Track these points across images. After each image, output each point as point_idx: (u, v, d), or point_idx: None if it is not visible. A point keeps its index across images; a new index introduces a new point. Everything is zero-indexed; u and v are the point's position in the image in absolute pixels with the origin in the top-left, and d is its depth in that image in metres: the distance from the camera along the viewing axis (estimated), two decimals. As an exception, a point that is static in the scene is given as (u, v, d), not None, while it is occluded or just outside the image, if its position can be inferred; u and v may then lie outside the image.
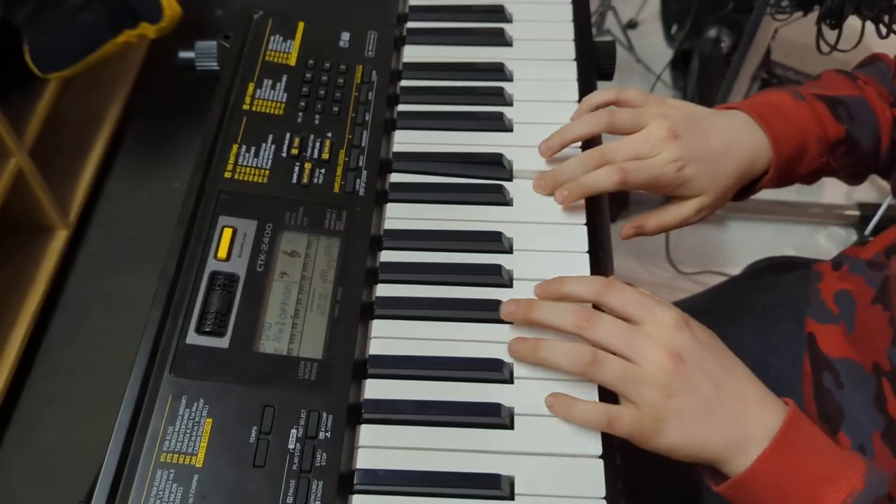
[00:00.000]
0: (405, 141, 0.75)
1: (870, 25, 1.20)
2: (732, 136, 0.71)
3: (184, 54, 0.83)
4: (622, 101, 0.73)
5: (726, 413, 0.57)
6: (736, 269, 1.01)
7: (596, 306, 0.61)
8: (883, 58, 0.81)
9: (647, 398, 0.57)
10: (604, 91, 0.74)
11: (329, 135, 0.72)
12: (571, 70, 0.79)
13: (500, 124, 0.75)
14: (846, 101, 0.76)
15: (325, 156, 0.70)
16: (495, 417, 0.59)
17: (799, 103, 0.74)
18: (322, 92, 0.74)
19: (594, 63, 0.82)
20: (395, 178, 0.72)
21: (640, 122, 0.70)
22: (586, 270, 0.66)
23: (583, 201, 0.70)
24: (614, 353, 0.58)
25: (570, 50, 0.81)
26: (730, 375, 0.58)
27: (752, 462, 0.56)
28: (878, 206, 1.79)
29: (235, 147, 0.70)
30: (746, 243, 1.84)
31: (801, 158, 0.74)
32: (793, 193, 1.89)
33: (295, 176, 0.69)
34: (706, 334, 0.60)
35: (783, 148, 0.72)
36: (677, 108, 0.72)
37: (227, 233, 0.65)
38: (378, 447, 0.58)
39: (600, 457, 0.57)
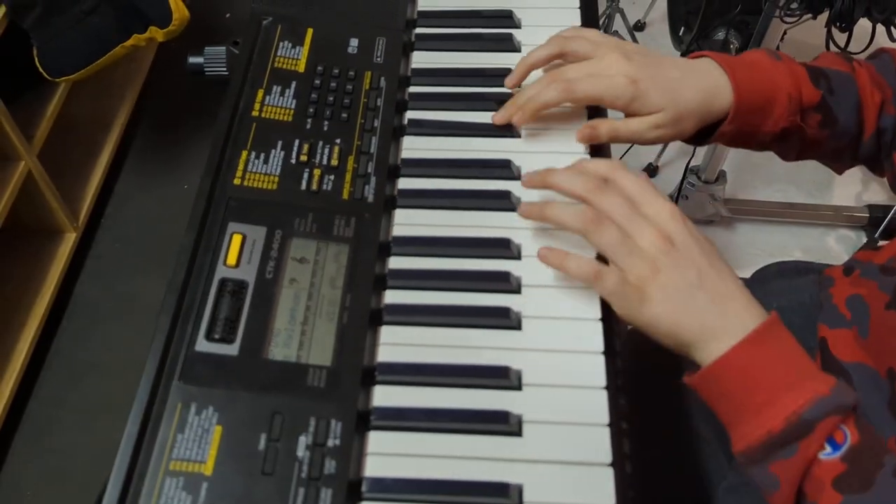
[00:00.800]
0: (414, 147, 0.75)
1: (880, 27, 1.20)
2: (690, 69, 0.74)
3: (193, 59, 0.83)
4: (569, 52, 0.74)
5: (706, 299, 0.60)
6: (744, 272, 1.00)
7: None
8: (890, 51, 0.81)
9: (635, 268, 0.61)
10: (548, 44, 0.75)
11: (338, 141, 0.72)
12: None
13: (508, 130, 0.75)
14: (830, 74, 0.76)
15: (334, 162, 0.70)
16: (503, 425, 0.58)
17: (775, 62, 0.75)
18: (331, 98, 0.74)
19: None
20: (404, 184, 0.72)
21: (595, 50, 0.73)
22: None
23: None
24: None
25: (578, 55, 0.81)
26: (716, 271, 0.61)
27: (725, 351, 0.58)
28: (888, 208, 1.78)
29: (245, 153, 0.70)
30: (754, 245, 1.84)
31: (768, 112, 0.74)
32: (802, 195, 1.89)
33: (304, 182, 0.69)
34: (702, 235, 0.64)
35: (745, 93, 0.72)
36: (633, 45, 0.75)
37: (237, 239, 0.65)
38: (386, 454, 0.58)
39: (610, 465, 0.57)
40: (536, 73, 0.76)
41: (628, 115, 0.73)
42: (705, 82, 0.72)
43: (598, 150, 0.74)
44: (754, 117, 0.73)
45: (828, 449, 0.56)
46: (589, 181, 0.64)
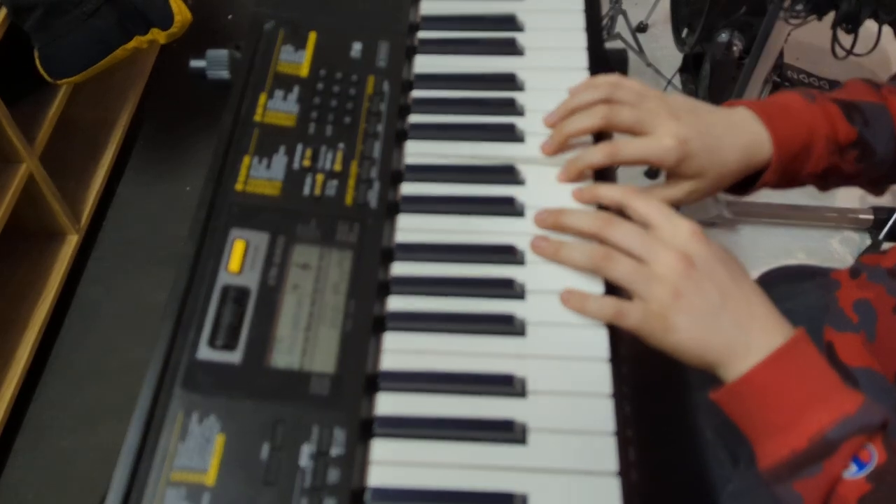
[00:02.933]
0: (417, 152, 0.74)
1: (886, 29, 1.19)
2: (732, 124, 0.72)
3: (195, 63, 0.83)
4: (616, 100, 0.72)
5: (731, 320, 0.59)
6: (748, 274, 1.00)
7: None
8: None
9: (655, 295, 0.60)
10: (595, 87, 0.73)
11: (341, 146, 0.71)
12: (584, 79, 0.78)
13: (512, 135, 0.75)
14: (862, 107, 0.75)
15: (337, 167, 0.70)
16: (508, 433, 0.58)
17: (808, 103, 0.74)
18: (334, 103, 0.74)
19: (606, 71, 0.81)
20: (407, 189, 0.72)
21: (641, 102, 0.71)
22: (600, 282, 0.65)
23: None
24: (630, 255, 0.62)
25: (582, 59, 0.80)
26: (738, 288, 0.61)
27: (749, 369, 0.58)
28: (892, 210, 1.77)
29: (247, 159, 0.69)
30: (758, 247, 1.83)
31: (807, 156, 0.73)
32: (806, 197, 1.88)
33: (307, 188, 0.68)
34: (722, 250, 0.63)
35: (784, 142, 0.72)
36: (677, 98, 0.73)
37: (239, 246, 0.64)
38: (390, 463, 0.57)
39: (616, 473, 0.57)
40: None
41: (670, 174, 0.72)
42: (745, 137, 0.72)
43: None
44: (794, 163, 0.73)
45: (853, 468, 0.55)
46: (598, 217, 0.64)
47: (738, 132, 0.72)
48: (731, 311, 0.60)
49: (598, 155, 0.70)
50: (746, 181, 0.75)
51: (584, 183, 0.71)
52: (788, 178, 0.75)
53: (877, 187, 0.82)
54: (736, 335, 0.59)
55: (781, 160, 0.72)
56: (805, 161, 0.74)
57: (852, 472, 0.55)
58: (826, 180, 0.77)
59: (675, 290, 0.60)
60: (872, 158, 0.76)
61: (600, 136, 0.75)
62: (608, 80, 0.74)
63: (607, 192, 0.67)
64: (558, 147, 0.72)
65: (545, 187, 0.71)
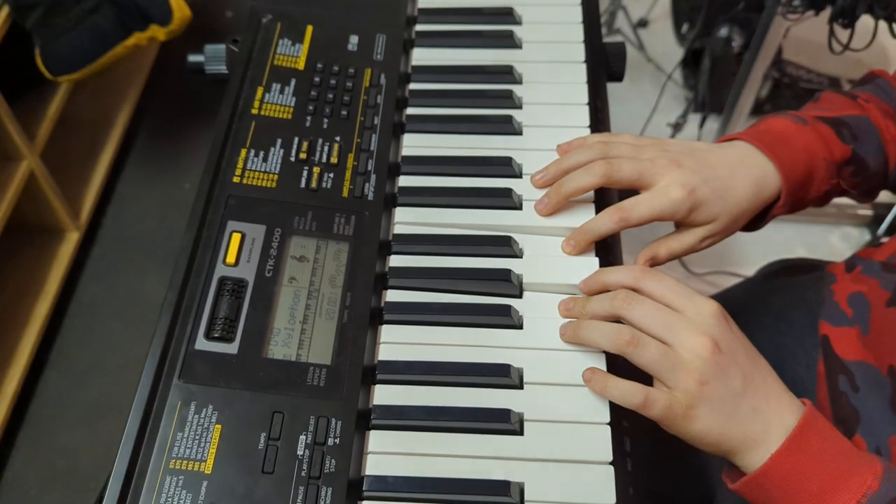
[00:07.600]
0: (414, 144, 0.74)
1: (883, 24, 1.19)
2: (736, 162, 0.70)
3: (193, 58, 0.83)
4: (611, 156, 0.69)
5: (749, 406, 0.57)
6: (748, 270, 1.00)
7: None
8: (882, 74, 0.80)
9: (681, 384, 0.57)
10: (588, 147, 0.71)
11: (338, 139, 0.72)
12: (581, 72, 0.79)
13: (509, 127, 0.75)
14: (849, 122, 0.74)
15: (334, 160, 0.70)
16: (505, 423, 0.58)
17: (802, 127, 0.72)
18: (331, 96, 0.74)
19: (604, 65, 0.81)
20: (404, 181, 0.72)
21: (639, 153, 0.69)
22: (594, 262, 0.66)
23: (592, 195, 0.70)
24: (652, 337, 0.59)
25: (579, 52, 0.80)
26: (757, 370, 0.59)
27: (767, 459, 0.56)
28: (891, 205, 1.77)
29: (244, 152, 0.70)
30: (759, 243, 1.83)
31: (811, 182, 0.72)
32: (805, 193, 1.88)
33: (303, 180, 0.69)
34: (739, 329, 0.61)
35: (791, 172, 0.70)
36: (675, 143, 0.71)
37: (236, 238, 0.64)
38: (387, 453, 0.57)
39: (611, 463, 0.57)
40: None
41: (682, 224, 0.70)
42: (753, 173, 0.69)
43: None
44: (800, 191, 0.72)
45: None
46: (617, 296, 0.60)
47: (744, 170, 0.69)
48: (751, 397, 0.58)
49: (607, 223, 0.66)
50: (756, 216, 0.73)
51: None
52: (795, 205, 0.73)
53: (868, 196, 0.81)
54: (753, 422, 0.57)
55: (790, 190, 0.70)
56: (809, 186, 0.72)
57: None
58: (825, 199, 0.76)
59: (701, 378, 0.57)
60: (867, 172, 0.75)
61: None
62: (599, 137, 0.72)
63: (614, 277, 0.63)
64: (555, 209, 0.69)
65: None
